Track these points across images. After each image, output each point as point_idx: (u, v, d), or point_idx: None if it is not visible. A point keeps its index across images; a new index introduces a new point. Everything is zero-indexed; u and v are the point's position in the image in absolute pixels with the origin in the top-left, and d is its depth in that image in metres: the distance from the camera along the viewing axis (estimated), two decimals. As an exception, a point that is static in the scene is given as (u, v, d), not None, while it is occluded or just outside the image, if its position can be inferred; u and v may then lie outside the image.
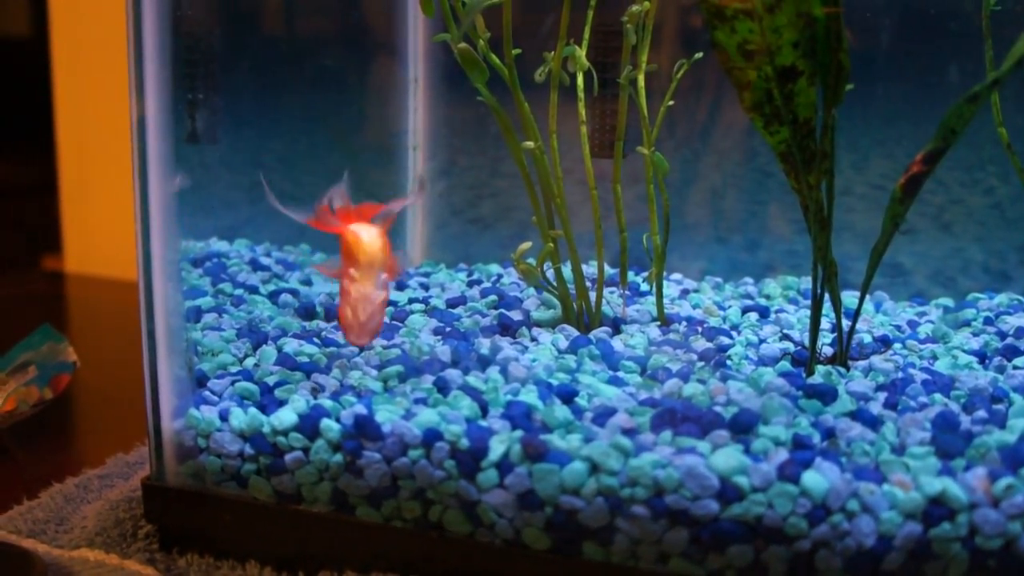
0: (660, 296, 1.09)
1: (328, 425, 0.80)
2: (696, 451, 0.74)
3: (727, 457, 0.72)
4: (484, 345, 0.94)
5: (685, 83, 1.06)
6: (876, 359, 0.94)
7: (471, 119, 1.35)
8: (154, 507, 0.87)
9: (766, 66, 0.80)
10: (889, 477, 0.71)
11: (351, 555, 0.81)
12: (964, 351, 0.98)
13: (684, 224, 1.31)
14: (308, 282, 1.24)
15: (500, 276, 1.28)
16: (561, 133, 1.03)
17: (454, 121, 1.35)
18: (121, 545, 0.86)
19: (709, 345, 0.98)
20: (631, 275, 1.24)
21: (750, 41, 0.79)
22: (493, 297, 1.14)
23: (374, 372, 0.90)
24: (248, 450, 0.83)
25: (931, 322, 1.11)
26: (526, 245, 1.06)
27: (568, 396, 0.83)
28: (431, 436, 0.77)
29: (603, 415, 0.79)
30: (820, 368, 0.91)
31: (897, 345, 1.02)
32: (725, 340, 1.00)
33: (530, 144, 1.00)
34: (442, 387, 0.85)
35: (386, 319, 1.03)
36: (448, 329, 1.02)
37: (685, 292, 1.22)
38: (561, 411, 0.80)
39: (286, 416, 0.82)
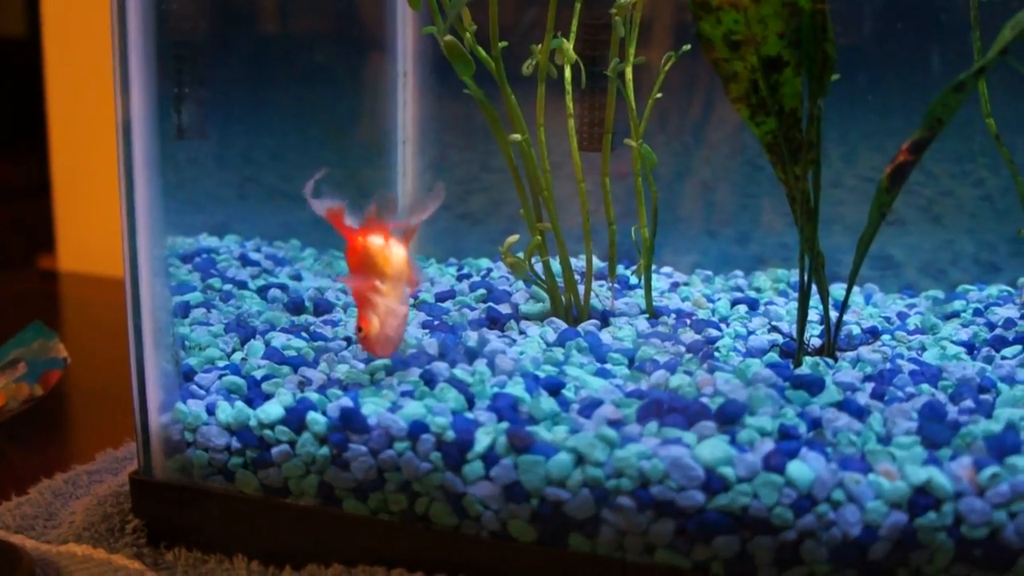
0: (649, 289, 1.09)
1: (314, 418, 0.80)
2: (682, 442, 0.73)
3: (713, 448, 0.72)
4: (472, 338, 0.93)
5: (676, 77, 1.06)
6: (864, 350, 0.94)
7: (461, 113, 1.35)
8: (142, 502, 0.87)
9: (752, 57, 0.80)
10: (875, 467, 0.71)
11: (338, 548, 0.81)
12: (953, 342, 0.98)
13: (675, 218, 1.30)
14: (298, 277, 1.24)
15: (490, 270, 1.28)
16: (549, 127, 1.03)
17: (444, 115, 1.35)
18: (109, 540, 0.86)
19: (697, 337, 0.98)
20: (621, 268, 1.24)
21: (736, 32, 0.79)
22: (482, 291, 1.14)
23: (361, 366, 0.90)
24: (235, 444, 0.83)
25: (920, 314, 1.11)
26: (513, 238, 1.06)
27: (555, 388, 0.83)
28: (417, 428, 0.77)
29: (590, 407, 0.79)
30: (808, 359, 0.91)
31: (886, 336, 1.02)
32: (713, 332, 1.00)
33: (517, 136, 1.00)
34: (429, 380, 0.85)
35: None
36: (436, 323, 1.02)
37: (675, 285, 1.22)
38: (547, 403, 0.79)
39: (272, 409, 0.82)
